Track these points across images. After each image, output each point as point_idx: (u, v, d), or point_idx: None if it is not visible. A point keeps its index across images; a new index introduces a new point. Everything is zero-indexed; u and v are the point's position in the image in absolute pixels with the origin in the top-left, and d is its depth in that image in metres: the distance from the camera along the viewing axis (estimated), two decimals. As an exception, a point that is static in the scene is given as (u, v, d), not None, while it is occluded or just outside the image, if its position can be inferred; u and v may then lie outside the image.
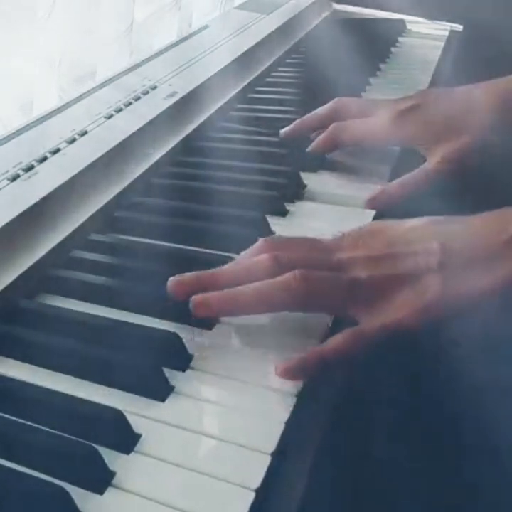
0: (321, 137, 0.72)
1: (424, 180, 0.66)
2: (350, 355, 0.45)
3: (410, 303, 0.46)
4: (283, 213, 0.62)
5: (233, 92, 0.83)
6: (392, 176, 0.68)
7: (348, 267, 0.48)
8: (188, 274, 0.49)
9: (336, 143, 0.71)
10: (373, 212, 0.63)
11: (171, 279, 0.49)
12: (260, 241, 0.51)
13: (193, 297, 0.47)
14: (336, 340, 0.45)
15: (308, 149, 0.72)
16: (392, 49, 1.07)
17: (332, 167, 0.71)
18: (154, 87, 0.75)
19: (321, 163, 0.70)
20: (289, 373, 0.44)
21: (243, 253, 0.51)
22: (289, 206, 0.63)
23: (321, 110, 0.74)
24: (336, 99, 0.74)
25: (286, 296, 0.46)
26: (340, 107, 0.73)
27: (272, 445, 0.39)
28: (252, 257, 0.50)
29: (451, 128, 0.67)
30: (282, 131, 0.75)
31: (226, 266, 0.50)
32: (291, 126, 0.75)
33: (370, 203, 0.64)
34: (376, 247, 0.49)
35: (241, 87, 0.85)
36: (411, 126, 0.68)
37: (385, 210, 0.63)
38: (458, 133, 0.66)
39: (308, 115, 0.75)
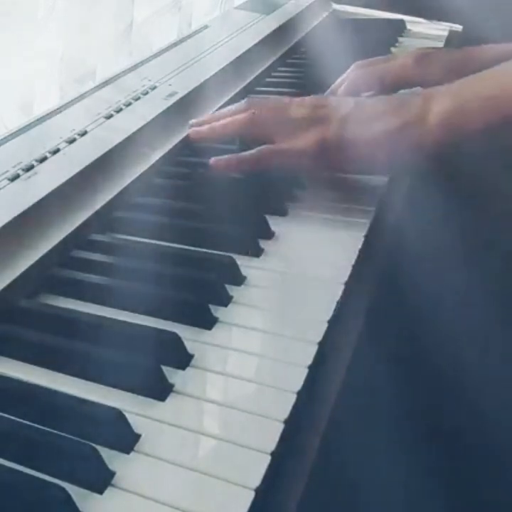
0: (345, 86, 0.79)
1: None
2: (263, 163, 0.64)
3: (315, 136, 0.63)
4: (283, 213, 0.62)
5: (233, 92, 0.83)
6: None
7: (289, 107, 0.66)
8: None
9: (361, 88, 0.78)
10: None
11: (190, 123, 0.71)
12: (245, 101, 0.69)
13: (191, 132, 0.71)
14: (253, 151, 0.65)
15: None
16: (392, 49, 1.07)
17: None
18: (154, 87, 0.75)
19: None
20: (215, 163, 0.66)
21: (228, 107, 0.70)
22: (289, 206, 0.63)
23: (340, 78, 0.80)
24: (354, 64, 0.80)
25: (237, 123, 0.67)
26: (360, 64, 0.80)
27: (272, 445, 0.39)
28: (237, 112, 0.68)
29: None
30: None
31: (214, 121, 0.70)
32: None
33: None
34: (315, 100, 0.67)
35: (241, 87, 0.85)
36: (433, 66, 0.76)
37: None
38: None
39: (332, 86, 0.81)
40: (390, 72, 0.78)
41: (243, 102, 0.69)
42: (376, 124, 0.61)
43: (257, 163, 0.65)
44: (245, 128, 0.67)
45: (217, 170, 0.65)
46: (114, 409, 0.40)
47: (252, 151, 0.65)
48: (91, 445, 0.38)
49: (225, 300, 0.51)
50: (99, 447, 0.38)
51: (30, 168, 0.57)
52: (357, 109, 0.64)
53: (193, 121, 0.72)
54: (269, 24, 1.02)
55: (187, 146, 0.71)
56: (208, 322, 0.49)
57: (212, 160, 0.66)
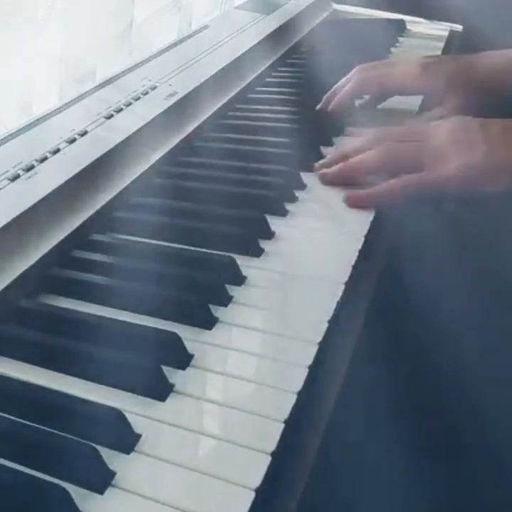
0: (347, 88, 0.79)
1: None
2: (400, 197, 0.62)
3: (458, 162, 0.61)
4: (283, 213, 0.62)
5: (233, 92, 0.83)
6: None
7: (427, 135, 0.65)
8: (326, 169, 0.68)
9: (362, 91, 0.80)
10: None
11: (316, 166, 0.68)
12: (373, 133, 0.69)
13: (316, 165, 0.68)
14: (392, 182, 0.62)
15: (335, 101, 0.80)
16: (392, 49, 1.07)
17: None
18: (154, 87, 0.75)
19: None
20: (353, 201, 0.62)
21: (355, 142, 0.69)
22: (289, 206, 0.63)
23: (342, 80, 0.81)
24: (357, 67, 0.81)
25: (376, 160, 0.64)
26: (362, 68, 0.80)
27: (272, 445, 0.39)
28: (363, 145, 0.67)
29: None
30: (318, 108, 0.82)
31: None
32: (322, 102, 0.82)
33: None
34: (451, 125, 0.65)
35: (241, 87, 0.85)
36: (436, 76, 0.78)
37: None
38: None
39: (333, 88, 0.81)
40: (392, 79, 0.79)
41: (369, 136, 0.68)
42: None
43: (400, 195, 0.63)
44: (384, 163, 0.64)
45: (354, 206, 0.63)
46: (114, 409, 0.40)
47: (392, 183, 0.63)
48: (91, 445, 0.38)
49: (225, 300, 0.51)
50: (99, 447, 0.38)
51: (30, 168, 0.57)
52: (488, 134, 0.63)
53: (319, 163, 0.69)
54: (269, 24, 1.02)
55: (187, 146, 0.71)
56: (208, 322, 0.49)
57: (347, 196, 0.63)
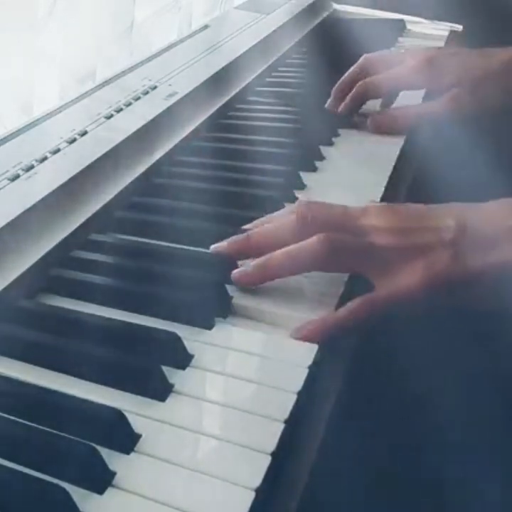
0: (349, 95, 0.79)
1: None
2: (363, 321, 0.49)
3: (420, 272, 0.49)
4: (283, 213, 0.62)
5: (233, 93, 0.83)
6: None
7: (369, 233, 0.51)
8: (224, 243, 0.54)
9: (364, 97, 0.80)
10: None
11: (211, 247, 0.55)
12: (295, 204, 0.56)
13: (232, 273, 0.52)
14: (349, 306, 0.49)
15: (340, 110, 0.80)
16: (392, 49, 1.07)
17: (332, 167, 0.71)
18: (154, 87, 0.75)
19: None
20: (306, 336, 0.47)
21: (276, 213, 0.57)
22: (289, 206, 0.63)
23: (349, 72, 0.81)
24: (363, 57, 0.81)
25: (311, 258, 0.50)
26: (368, 64, 0.80)
27: (272, 444, 0.39)
28: (283, 216, 0.54)
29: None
30: (327, 106, 0.82)
31: (257, 228, 0.55)
32: (331, 97, 0.82)
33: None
34: (396, 219, 0.52)
35: (241, 87, 0.85)
36: (440, 70, 0.77)
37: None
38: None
39: (340, 80, 0.81)
40: (399, 79, 0.79)
41: (302, 222, 0.52)
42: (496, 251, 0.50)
43: (360, 318, 0.49)
44: (321, 263, 0.51)
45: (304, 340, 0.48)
46: (114, 409, 0.40)
47: (350, 307, 0.49)
48: (91, 445, 0.38)
49: (226, 300, 0.51)
50: (99, 447, 0.38)
51: (30, 168, 0.57)
52: (461, 228, 0.51)
53: (228, 241, 0.54)
54: (269, 24, 1.02)
55: (187, 146, 0.71)
56: (208, 322, 0.49)
57: (295, 336, 0.48)
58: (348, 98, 0.79)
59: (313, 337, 0.47)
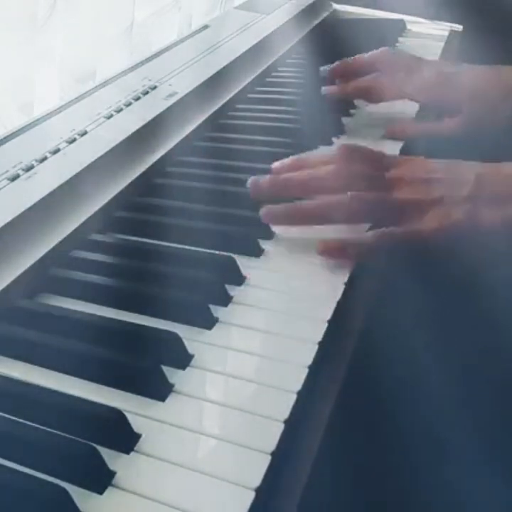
0: (353, 84, 0.78)
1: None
2: (378, 249, 0.55)
3: (437, 221, 0.55)
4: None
5: (233, 93, 0.83)
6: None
7: (395, 185, 0.58)
8: (264, 178, 0.60)
9: (367, 95, 0.79)
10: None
11: (250, 179, 0.60)
12: (336, 149, 0.61)
13: (262, 209, 0.58)
14: (369, 234, 0.56)
15: (336, 91, 0.80)
16: (397, 45, 1.07)
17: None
18: (154, 87, 0.75)
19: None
20: (326, 252, 0.55)
21: (319, 154, 0.64)
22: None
23: (367, 56, 0.80)
24: (382, 49, 0.80)
25: (340, 213, 0.56)
26: (386, 60, 0.79)
27: (272, 445, 0.39)
28: (325, 161, 0.60)
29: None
30: (323, 68, 0.82)
31: (297, 172, 0.60)
32: (335, 64, 0.81)
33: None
34: (422, 172, 0.59)
35: (241, 87, 0.85)
36: (456, 86, 0.76)
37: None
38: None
39: (354, 58, 0.81)
40: (413, 89, 0.78)
41: (333, 174, 0.59)
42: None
43: (377, 250, 0.56)
44: (346, 215, 0.57)
45: (328, 257, 0.55)
46: (114, 409, 0.40)
47: (369, 237, 0.56)
48: (91, 445, 0.38)
49: (225, 300, 0.51)
50: (99, 447, 0.38)
51: (30, 168, 0.57)
52: (479, 184, 0.57)
53: (269, 181, 0.60)
54: (269, 24, 1.02)
55: (187, 146, 0.71)
56: (208, 322, 0.49)
57: (321, 249, 0.55)
58: (350, 86, 0.79)
59: (335, 256, 0.55)
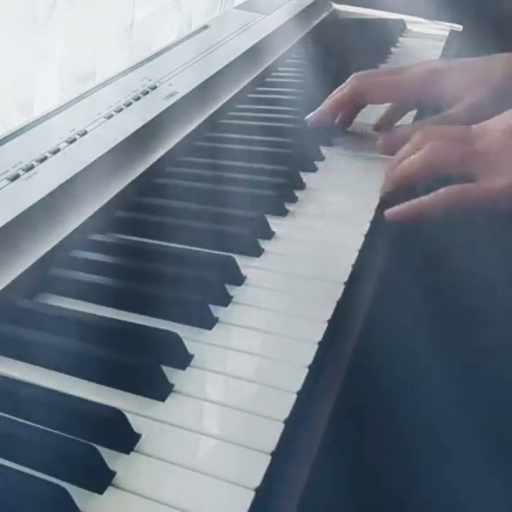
0: (338, 95, 0.74)
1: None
2: (450, 208, 0.55)
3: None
4: (283, 213, 0.62)
5: (233, 93, 0.83)
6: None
7: (477, 136, 0.59)
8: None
9: (360, 101, 0.75)
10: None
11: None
12: (420, 133, 0.62)
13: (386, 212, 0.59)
14: (438, 193, 0.56)
15: (337, 121, 0.76)
16: (392, 49, 1.07)
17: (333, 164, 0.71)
18: (154, 87, 0.75)
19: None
20: (395, 214, 0.57)
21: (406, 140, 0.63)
22: (288, 206, 0.63)
23: (340, 95, 0.74)
24: (353, 76, 0.75)
25: (424, 165, 0.58)
26: (361, 87, 0.74)
27: (272, 445, 0.39)
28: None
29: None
30: (308, 118, 0.76)
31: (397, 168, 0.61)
32: (315, 116, 0.76)
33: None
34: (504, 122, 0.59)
35: (241, 87, 0.85)
36: (443, 82, 0.73)
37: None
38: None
39: (329, 101, 0.75)
40: (404, 87, 0.73)
41: (418, 133, 0.61)
42: None
43: (448, 206, 0.56)
44: (433, 166, 0.58)
45: (395, 222, 0.58)
46: (114, 409, 0.40)
47: (440, 192, 0.57)
48: (91, 445, 0.38)
49: (225, 300, 0.51)
50: (99, 447, 0.38)
51: (30, 168, 0.57)
52: None
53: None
54: (269, 24, 1.02)
55: (187, 146, 0.71)
56: (208, 322, 0.49)
57: (388, 212, 0.58)
58: (330, 100, 0.75)
59: (401, 216, 0.56)
